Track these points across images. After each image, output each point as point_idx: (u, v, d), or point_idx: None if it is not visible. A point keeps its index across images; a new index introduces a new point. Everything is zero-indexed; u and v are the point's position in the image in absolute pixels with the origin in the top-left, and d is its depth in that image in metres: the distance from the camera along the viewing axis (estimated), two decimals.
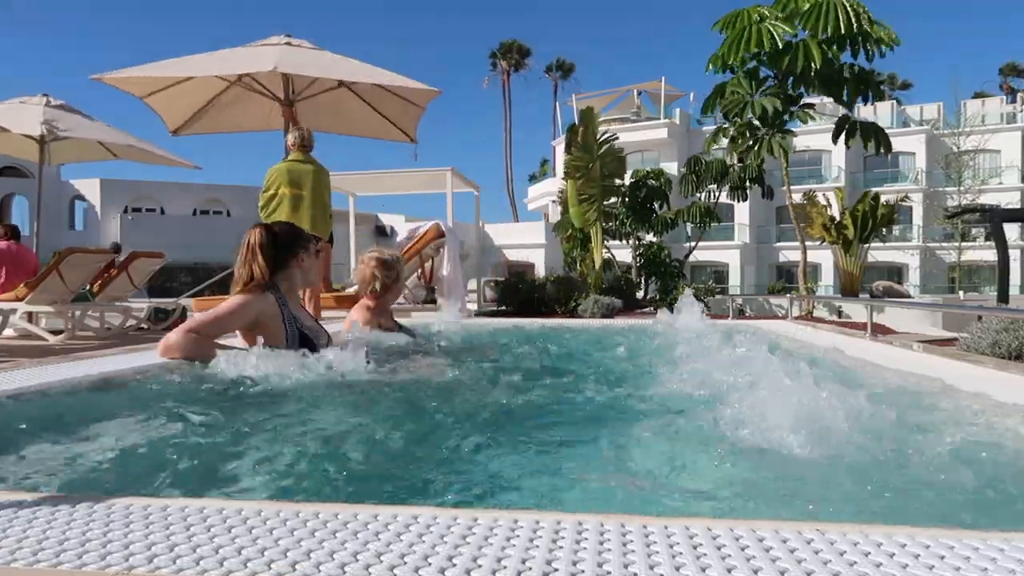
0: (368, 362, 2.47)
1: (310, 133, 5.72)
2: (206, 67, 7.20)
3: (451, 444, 1.71)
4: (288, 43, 7.13)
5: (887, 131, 12.22)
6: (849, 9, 10.67)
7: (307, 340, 2.68)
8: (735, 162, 15.09)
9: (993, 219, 10.22)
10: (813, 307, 11.59)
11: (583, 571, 0.80)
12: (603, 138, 11.73)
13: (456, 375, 2.67)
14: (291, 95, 7.53)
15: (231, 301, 2.66)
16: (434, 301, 9.15)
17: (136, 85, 7.41)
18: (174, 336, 2.55)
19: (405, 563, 0.82)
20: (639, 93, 40.80)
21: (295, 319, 2.73)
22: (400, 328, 3.68)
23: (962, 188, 30.61)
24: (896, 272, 34.50)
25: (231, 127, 8.75)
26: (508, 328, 5.53)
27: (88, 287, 7.81)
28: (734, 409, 1.57)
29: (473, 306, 10.65)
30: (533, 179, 56.80)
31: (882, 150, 11.51)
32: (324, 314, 6.02)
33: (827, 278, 32.54)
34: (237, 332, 2.75)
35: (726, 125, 12.09)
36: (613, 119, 35.98)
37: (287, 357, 2.38)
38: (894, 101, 39.06)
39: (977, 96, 39.04)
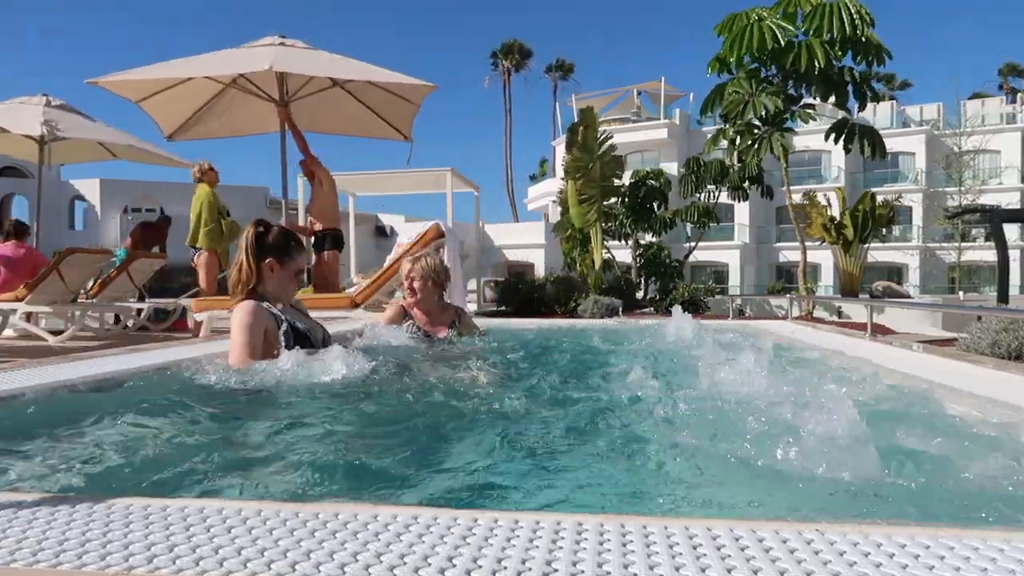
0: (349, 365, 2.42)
1: (197, 168, 7.47)
2: (201, 68, 7.20)
3: (448, 446, 1.71)
4: (282, 43, 7.13)
5: (887, 131, 12.25)
6: (853, 11, 10.68)
7: (302, 337, 2.68)
8: (735, 162, 15.10)
9: (993, 219, 10.23)
10: (813, 307, 11.59)
11: (583, 571, 0.80)
12: (603, 138, 11.75)
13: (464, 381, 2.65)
14: (286, 95, 7.53)
15: (241, 319, 2.59)
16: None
17: (131, 89, 7.41)
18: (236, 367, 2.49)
19: (405, 563, 0.82)
20: (639, 93, 40.81)
21: (283, 316, 2.73)
22: (453, 328, 3.71)
23: (962, 188, 30.60)
24: (896, 272, 34.51)
25: (226, 132, 8.73)
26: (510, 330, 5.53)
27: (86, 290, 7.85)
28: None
29: (473, 306, 10.65)
30: (532, 179, 56.79)
31: (877, 155, 11.51)
32: (333, 314, 6.10)
33: (827, 278, 32.54)
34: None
35: (726, 126, 12.10)
36: (613, 119, 36.00)
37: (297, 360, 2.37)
38: (894, 101, 39.08)
39: (976, 96, 39.04)
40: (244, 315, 2.61)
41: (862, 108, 11.96)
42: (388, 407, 2.10)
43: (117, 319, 8.28)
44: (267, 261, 2.73)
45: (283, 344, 2.58)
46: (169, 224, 10.00)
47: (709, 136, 13.15)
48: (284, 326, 2.66)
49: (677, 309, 5.15)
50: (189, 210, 7.48)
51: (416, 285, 3.63)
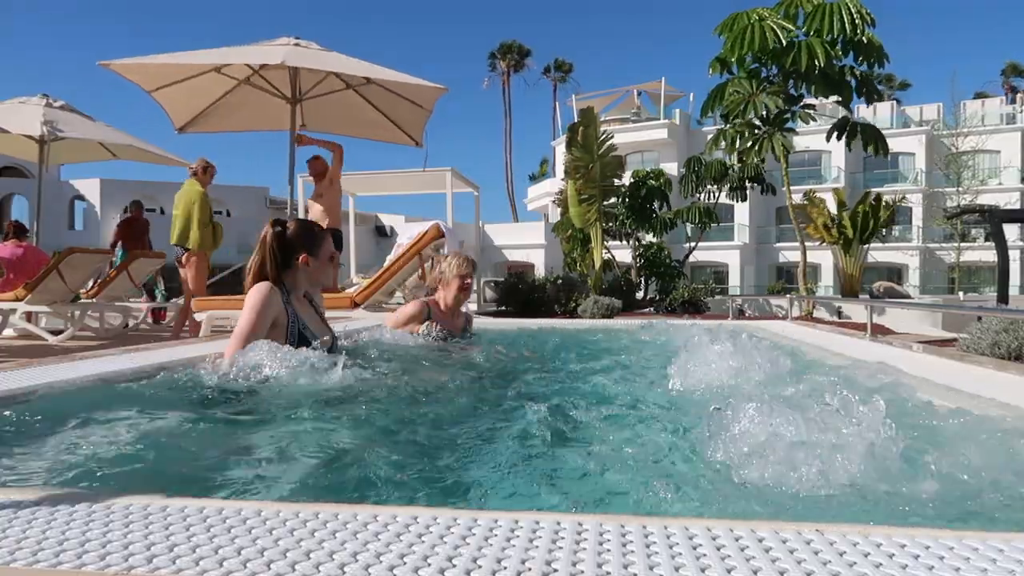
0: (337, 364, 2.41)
1: (198, 163, 7.12)
2: (214, 59, 7.23)
3: (447, 446, 1.71)
4: (297, 44, 7.17)
5: (887, 131, 12.25)
6: (853, 11, 10.69)
7: (305, 341, 2.67)
8: (735, 162, 15.11)
9: (993, 220, 10.23)
10: (813, 308, 11.60)
11: (583, 571, 0.80)
12: (603, 138, 11.75)
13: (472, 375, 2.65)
14: (298, 94, 7.57)
15: (254, 299, 2.58)
16: None
17: (143, 76, 7.41)
18: (226, 364, 2.45)
19: (404, 563, 0.82)
20: (639, 93, 40.80)
21: (298, 318, 2.72)
22: (465, 331, 3.73)
23: (961, 188, 30.60)
24: (896, 273, 34.50)
25: (237, 126, 8.78)
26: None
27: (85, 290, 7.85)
28: None
29: (473, 306, 10.65)
30: (533, 179, 56.71)
31: (880, 152, 11.54)
32: (333, 314, 6.11)
33: (827, 278, 32.55)
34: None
35: (726, 127, 12.11)
36: (613, 119, 36.02)
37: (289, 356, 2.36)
38: (894, 102, 39.10)
39: (978, 96, 39.05)
40: (259, 295, 2.58)
41: (869, 104, 11.97)
42: (387, 407, 2.10)
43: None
44: (301, 257, 2.73)
45: (285, 344, 2.57)
46: (142, 209, 9.97)
47: (709, 136, 13.15)
48: (294, 328, 2.66)
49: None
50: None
51: (471, 282, 3.69)
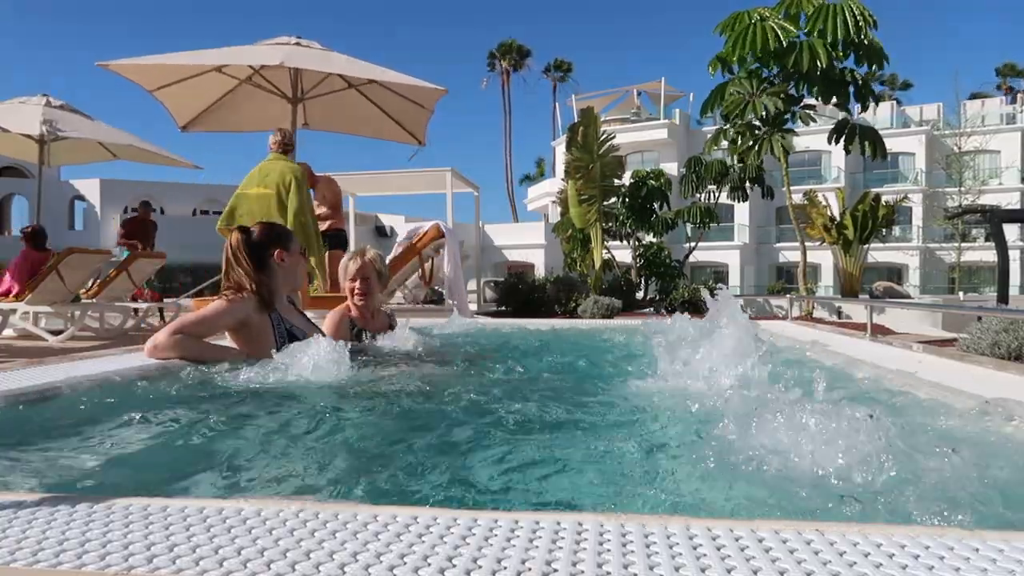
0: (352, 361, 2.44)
1: (287, 134, 5.61)
2: (214, 59, 7.23)
3: (447, 446, 1.71)
4: (298, 43, 7.17)
5: (887, 131, 12.25)
6: (856, 12, 10.68)
7: (296, 340, 2.68)
8: (735, 162, 15.10)
9: (993, 220, 10.23)
10: (813, 308, 11.60)
11: (583, 571, 0.80)
12: (603, 138, 11.75)
13: (449, 376, 2.66)
14: (299, 94, 7.57)
15: (215, 303, 2.68)
16: (434, 301, 9.18)
17: (144, 76, 7.41)
18: (161, 337, 2.56)
19: (405, 563, 0.82)
20: (639, 93, 40.81)
21: (283, 319, 2.74)
22: (392, 329, 3.59)
23: (962, 189, 30.60)
24: (896, 273, 34.50)
25: (240, 126, 8.79)
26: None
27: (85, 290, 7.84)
28: None
29: (473, 306, 10.66)
30: (529, 179, 56.61)
31: (877, 155, 11.54)
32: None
33: (827, 278, 32.55)
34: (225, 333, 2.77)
35: (726, 127, 12.10)
36: (613, 119, 36.03)
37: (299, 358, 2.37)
38: (894, 102, 39.10)
39: (974, 97, 39.04)
40: (224, 300, 2.67)
41: (864, 109, 11.97)
42: (386, 407, 2.10)
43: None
44: (276, 253, 2.77)
45: (275, 345, 2.59)
46: (150, 210, 10.00)
47: (709, 136, 13.14)
48: (281, 329, 2.68)
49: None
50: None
51: (370, 284, 3.29)
